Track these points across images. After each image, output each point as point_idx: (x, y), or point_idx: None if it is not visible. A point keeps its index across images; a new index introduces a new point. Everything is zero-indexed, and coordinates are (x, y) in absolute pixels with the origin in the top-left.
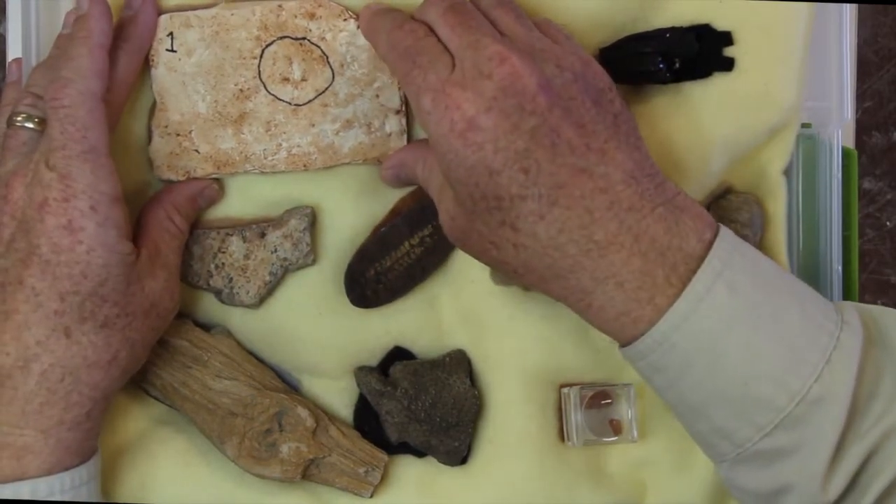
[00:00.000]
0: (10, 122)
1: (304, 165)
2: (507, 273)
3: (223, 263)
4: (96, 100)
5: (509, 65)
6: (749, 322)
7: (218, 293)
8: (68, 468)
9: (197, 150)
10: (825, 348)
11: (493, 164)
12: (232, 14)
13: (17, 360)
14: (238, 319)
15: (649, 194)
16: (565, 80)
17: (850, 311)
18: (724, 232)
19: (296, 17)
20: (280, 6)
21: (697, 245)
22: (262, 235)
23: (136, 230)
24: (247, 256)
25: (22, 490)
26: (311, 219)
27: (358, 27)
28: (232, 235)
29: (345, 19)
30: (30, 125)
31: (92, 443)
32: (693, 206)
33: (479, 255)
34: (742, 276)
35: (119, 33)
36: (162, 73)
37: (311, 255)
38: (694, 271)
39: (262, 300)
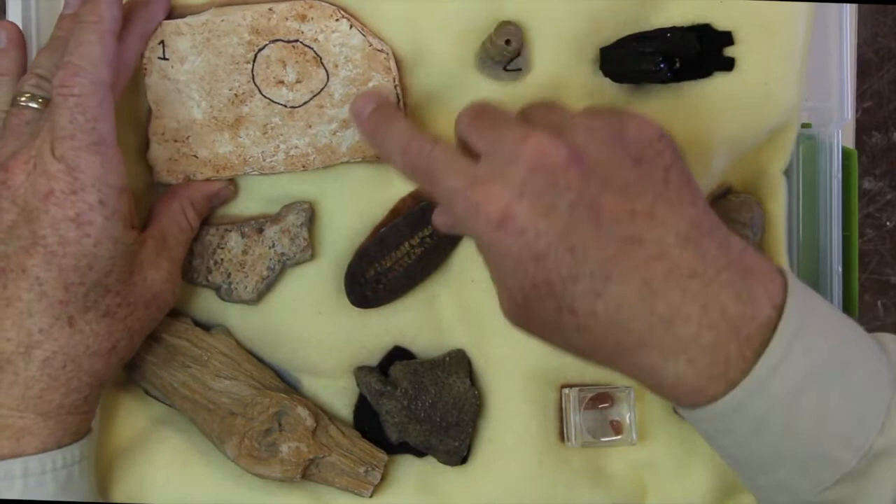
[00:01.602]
0: (15, 102)
1: (303, 166)
2: (577, 355)
3: (222, 259)
4: (106, 89)
5: (533, 142)
6: (822, 381)
7: (217, 289)
8: (62, 446)
9: (195, 156)
10: (885, 398)
11: (538, 248)
12: (222, 20)
13: (19, 347)
14: (237, 318)
15: (711, 256)
16: (598, 142)
17: (891, 348)
18: (794, 285)
19: (287, 19)
20: (270, 9)
21: (771, 312)
22: (260, 231)
23: (148, 218)
24: (245, 252)
25: (14, 468)
26: (310, 214)
27: (351, 27)
28: (230, 231)
29: (336, 20)
30: (34, 105)
31: (86, 424)
32: (762, 265)
33: (545, 341)
34: (816, 333)
35: (126, 14)
36: (155, 82)
37: (308, 251)
38: (768, 340)
39: (260, 296)
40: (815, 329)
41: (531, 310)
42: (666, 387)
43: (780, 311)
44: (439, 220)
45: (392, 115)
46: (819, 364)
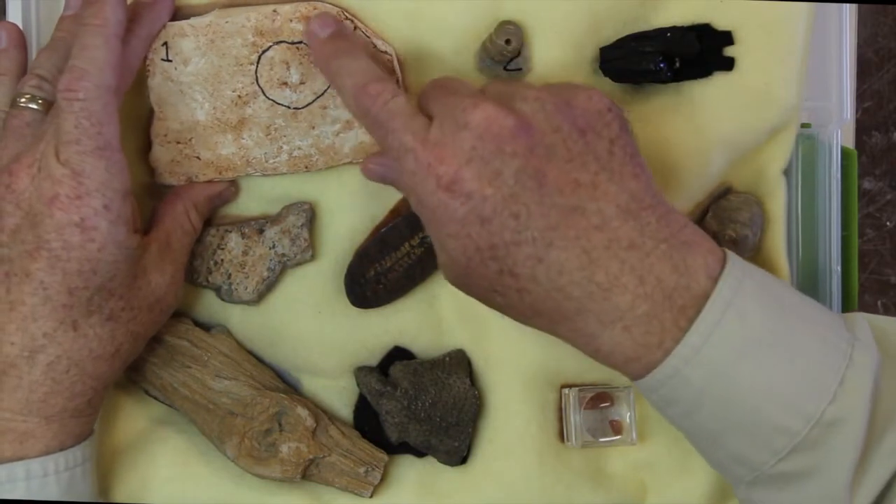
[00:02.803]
0: (14, 103)
1: (306, 167)
2: (517, 318)
3: (222, 260)
4: (111, 94)
5: (482, 110)
6: (760, 350)
7: (217, 290)
8: (65, 449)
9: (198, 157)
10: (838, 369)
11: (484, 212)
12: (226, 21)
13: (23, 351)
14: (238, 318)
15: (650, 229)
16: (547, 112)
17: (860, 325)
18: (733, 259)
19: (291, 21)
20: (275, 11)
21: (707, 283)
22: (261, 231)
23: (150, 221)
24: (245, 253)
25: (16, 471)
26: (310, 214)
27: (355, 28)
28: (230, 232)
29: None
30: (34, 106)
31: (89, 426)
32: (702, 240)
33: (484, 302)
34: (752, 302)
35: (130, 16)
36: (158, 83)
37: (309, 251)
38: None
39: (260, 296)
40: (752, 299)
41: (473, 272)
42: (603, 353)
43: (716, 282)
44: (373, 167)
45: (351, 46)
46: (757, 332)
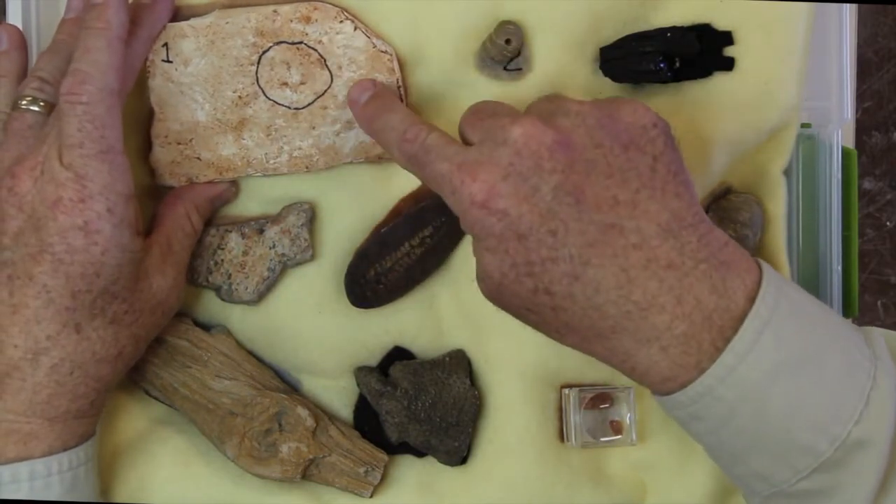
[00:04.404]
0: (15, 105)
1: (307, 167)
2: (549, 334)
3: (222, 260)
4: (114, 96)
5: (520, 125)
6: (793, 370)
7: (217, 290)
8: (67, 449)
9: (198, 158)
10: (864, 389)
11: (520, 229)
12: (227, 22)
13: (26, 353)
14: (238, 318)
15: (690, 249)
16: (589, 126)
17: (877, 342)
18: (769, 276)
19: (291, 21)
20: (275, 11)
21: (745, 303)
22: (261, 231)
23: (152, 224)
24: (245, 253)
25: (20, 471)
26: (310, 214)
27: (355, 28)
28: (231, 232)
29: (340, 21)
30: (35, 108)
31: (92, 427)
32: (741, 259)
33: (518, 318)
34: (787, 323)
35: (131, 18)
36: (159, 84)
37: (309, 251)
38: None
39: (260, 296)
40: (787, 319)
41: (508, 287)
42: (639, 372)
43: (753, 301)
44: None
45: (390, 103)
46: (790, 353)
